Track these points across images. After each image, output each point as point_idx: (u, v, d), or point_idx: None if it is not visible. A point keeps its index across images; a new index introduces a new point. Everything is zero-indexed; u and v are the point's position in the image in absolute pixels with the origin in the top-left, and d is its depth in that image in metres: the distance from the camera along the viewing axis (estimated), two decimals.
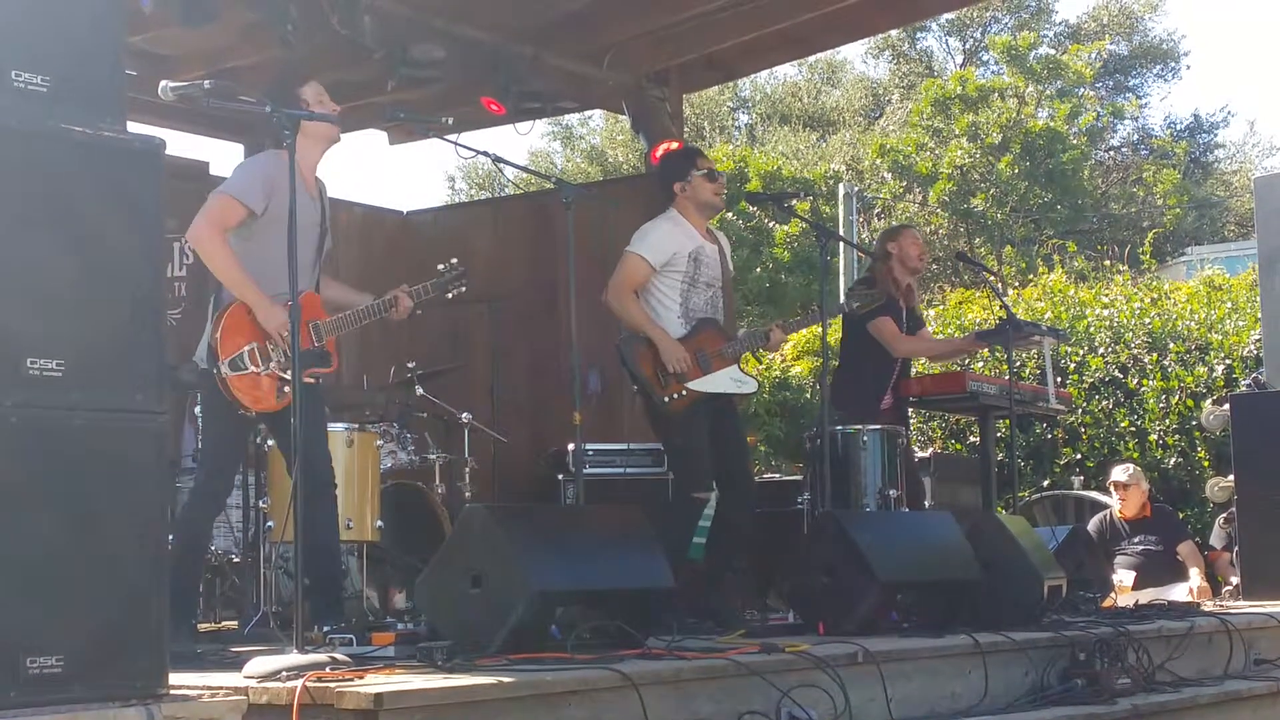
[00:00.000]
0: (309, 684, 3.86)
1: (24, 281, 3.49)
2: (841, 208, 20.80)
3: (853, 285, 8.68)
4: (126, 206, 3.70)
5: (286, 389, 5.52)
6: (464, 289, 6.32)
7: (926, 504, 7.96)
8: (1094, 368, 11.55)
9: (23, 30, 3.60)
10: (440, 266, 6.25)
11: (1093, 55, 29.21)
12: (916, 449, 8.23)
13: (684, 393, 6.55)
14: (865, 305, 7.40)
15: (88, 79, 3.70)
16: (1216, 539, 9.47)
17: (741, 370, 6.79)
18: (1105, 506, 9.78)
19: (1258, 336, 10.60)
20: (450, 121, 6.12)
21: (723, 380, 6.67)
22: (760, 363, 13.12)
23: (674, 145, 9.41)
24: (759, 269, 23.35)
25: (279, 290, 5.38)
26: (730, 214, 22.17)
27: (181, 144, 11.33)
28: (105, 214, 3.65)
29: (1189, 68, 34.83)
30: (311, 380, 5.66)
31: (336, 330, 5.88)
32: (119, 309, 3.65)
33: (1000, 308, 8.39)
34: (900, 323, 7.71)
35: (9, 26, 3.58)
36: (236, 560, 7.18)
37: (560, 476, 8.32)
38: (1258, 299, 10.11)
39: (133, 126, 3.84)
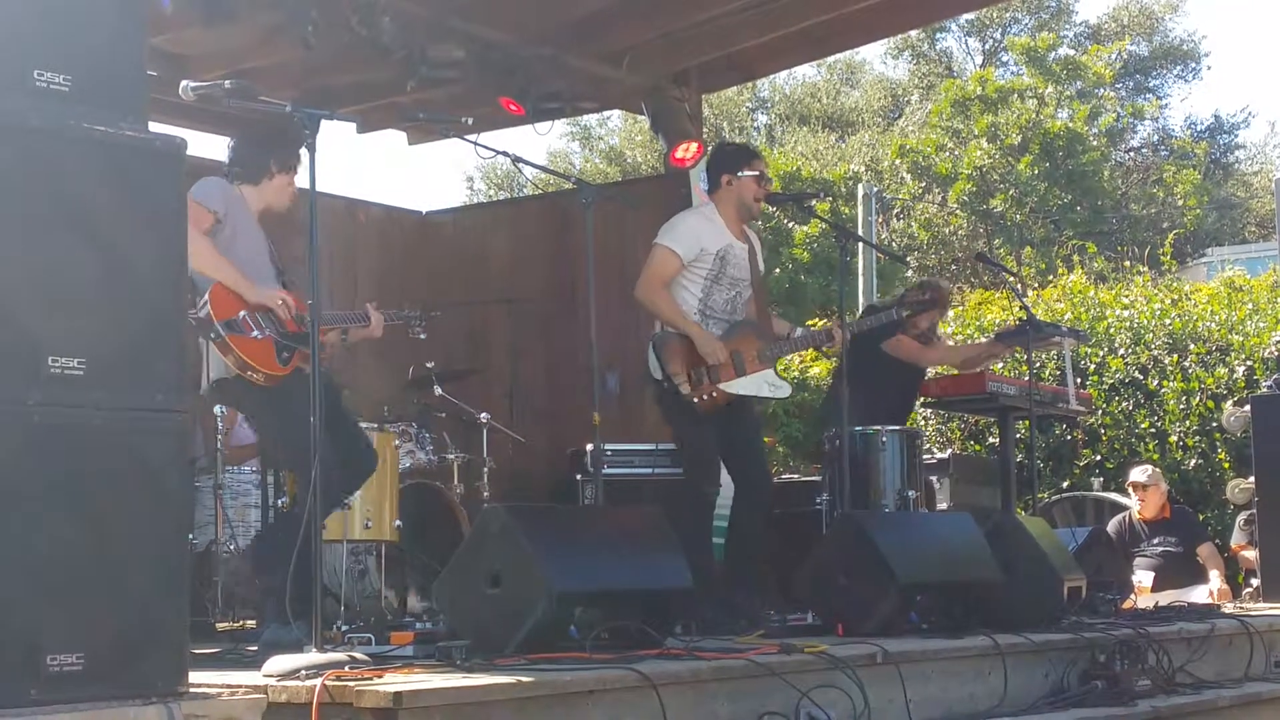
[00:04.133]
0: (328, 683, 3.87)
1: (45, 280, 3.49)
2: (861, 208, 20.75)
3: (861, 313, 8.72)
4: (147, 206, 3.70)
5: (285, 353, 5.60)
6: (422, 335, 6.86)
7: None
8: (1114, 369, 11.51)
9: (44, 30, 3.60)
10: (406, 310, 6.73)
11: (1113, 56, 29.19)
12: (935, 450, 8.23)
13: (715, 394, 6.47)
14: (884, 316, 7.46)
15: (109, 78, 3.71)
16: (1238, 538, 9.44)
17: (777, 375, 6.72)
18: (1125, 508, 9.75)
19: (1279, 338, 10.57)
20: (470, 121, 6.13)
21: (757, 384, 6.59)
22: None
23: (692, 145, 9.40)
24: (778, 269, 23.34)
25: None
26: None
27: (202, 145, 11.35)
28: (126, 213, 3.65)
29: (1209, 68, 34.83)
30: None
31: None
32: (139, 308, 3.65)
33: (1020, 309, 8.38)
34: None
35: (31, 26, 3.58)
36: None
37: (579, 477, 8.30)
38: (1278, 300, 10.10)
39: (153, 126, 3.85)
